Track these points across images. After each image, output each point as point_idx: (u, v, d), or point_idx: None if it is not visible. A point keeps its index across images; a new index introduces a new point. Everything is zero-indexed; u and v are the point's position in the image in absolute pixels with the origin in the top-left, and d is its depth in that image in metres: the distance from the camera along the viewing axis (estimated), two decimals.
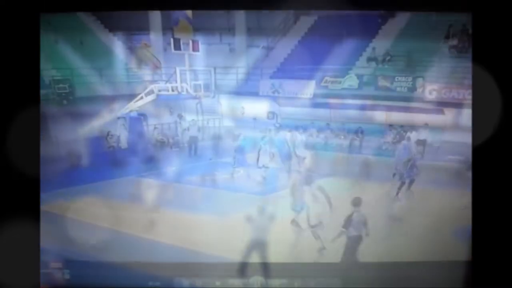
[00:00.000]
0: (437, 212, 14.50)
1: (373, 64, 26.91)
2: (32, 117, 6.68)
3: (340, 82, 26.03)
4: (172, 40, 22.42)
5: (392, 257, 10.60)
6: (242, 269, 10.29)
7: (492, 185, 6.55)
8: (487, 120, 6.59)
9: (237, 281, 8.94)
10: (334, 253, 10.59)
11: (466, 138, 19.21)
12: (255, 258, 10.47)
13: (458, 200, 14.99)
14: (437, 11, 20.88)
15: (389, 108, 23.71)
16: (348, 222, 10.26)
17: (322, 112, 25.60)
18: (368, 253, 11.15)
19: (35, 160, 6.71)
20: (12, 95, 6.50)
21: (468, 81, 22.47)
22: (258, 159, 18.25)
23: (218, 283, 8.94)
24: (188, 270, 9.31)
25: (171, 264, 9.86)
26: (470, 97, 21.99)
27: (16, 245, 6.45)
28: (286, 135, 21.18)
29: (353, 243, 10.30)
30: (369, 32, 28.25)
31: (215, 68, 25.27)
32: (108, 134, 21.93)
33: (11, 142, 6.49)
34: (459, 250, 10.26)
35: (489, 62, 6.61)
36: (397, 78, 24.80)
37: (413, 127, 22.61)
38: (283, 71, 28.30)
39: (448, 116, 21.70)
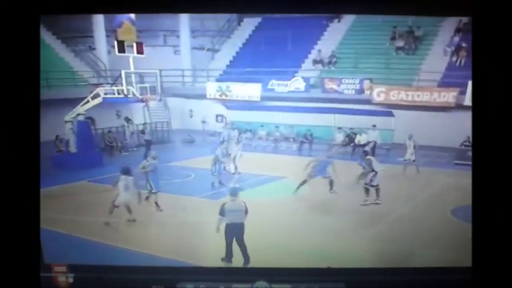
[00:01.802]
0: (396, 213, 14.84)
1: (319, 66, 27.16)
2: (32, 117, 6.50)
3: (286, 85, 26.14)
4: (115, 42, 21.94)
5: (396, 262, 10.77)
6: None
7: (493, 187, 6.64)
8: (487, 122, 6.69)
9: (241, 286, 8.87)
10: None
11: (417, 140, 19.88)
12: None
13: (411, 200, 15.55)
14: (437, 15, 21.20)
15: (337, 111, 23.71)
16: (222, 210, 10.78)
17: (270, 115, 25.50)
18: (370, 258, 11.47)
19: (34, 160, 6.52)
20: (11, 95, 6.30)
21: (416, 83, 23.19)
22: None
23: (222, 287, 8.86)
24: (192, 274, 9.20)
25: (175, 268, 9.79)
26: (419, 99, 22.91)
27: (15, 247, 6.25)
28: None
29: (233, 230, 10.76)
30: (314, 34, 28.64)
31: (160, 71, 24.91)
32: (57, 138, 21.40)
33: (10, 142, 6.29)
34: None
35: (488, 64, 6.73)
36: (344, 80, 25.10)
37: (362, 129, 22.88)
38: (229, 74, 28.27)
39: (397, 118, 22.02)
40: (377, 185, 15.31)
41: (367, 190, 15.42)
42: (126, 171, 13.74)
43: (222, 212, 10.74)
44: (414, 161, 19.66)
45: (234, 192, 11.06)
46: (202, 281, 8.90)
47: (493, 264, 6.46)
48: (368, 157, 15.76)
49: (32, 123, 6.53)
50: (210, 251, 11.61)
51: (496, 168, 6.58)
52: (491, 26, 6.74)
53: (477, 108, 6.79)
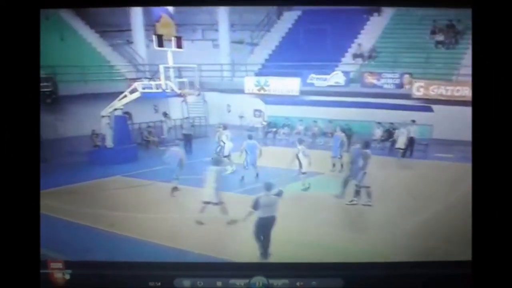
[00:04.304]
0: (429, 210, 14.42)
1: (359, 60, 26.79)
2: (32, 114, 6.41)
3: (326, 79, 25.79)
4: (154, 36, 21.88)
5: (395, 257, 10.76)
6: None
7: (493, 184, 6.41)
8: (487, 118, 6.47)
9: (238, 281, 8.80)
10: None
11: (455, 136, 19.39)
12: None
13: (446, 197, 15.05)
14: (437, 6, 20.81)
15: (377, 105, 23.50)
16: (256, 204, 10.74)
17: (309, 109, 25.19)
18: (369, 253, 11.27)
19: (34, 159, 6.44)
20: (11, 92, 6.22)
21: (456, 77, 22.59)
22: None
23: (219, 283, 8.79)
24: (189, 270, 9.15)
25: (172, 264, 9.75)
26: (458, 94, 22.32)
27: (15, 246, 6.18)
28: None
29: (265, 223, 10.77)
30: (354, 28, 28.27)
31: (199, 65, 24.82)
32: (93, 133, 21.59)
33: (10, 140, 6.21)
34: (459, 250, 10.29)
35: (489, 58, 6.50)
36: (384, 75, 24.72)
37: (401, 124, 22.31)
38: (268, 68, 28.00)
39: (436, 113, 21.49)
40: (368, 186, 14.79)
41: (357, 192, 14.91)
42: (218, 162, 13.92)
43: (255, 206, 10.74)
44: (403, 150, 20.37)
45: (269, 187, 10.95)
46: (199, 277, 8.82)
47: (493, 258, 6.26)
48: (367, 150, 15.05)
49: (32, 121, 6.43)
50: (241, 247, 11.54)
51: (496, 164, 6.43)
52: (493, 19, 6.46)
53: (477, 106, 6.55)
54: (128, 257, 10.72)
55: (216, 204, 13.21)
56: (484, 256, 6.29)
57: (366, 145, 15.27)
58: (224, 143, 18.87)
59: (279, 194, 10.97)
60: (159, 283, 8.86)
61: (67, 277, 9.11)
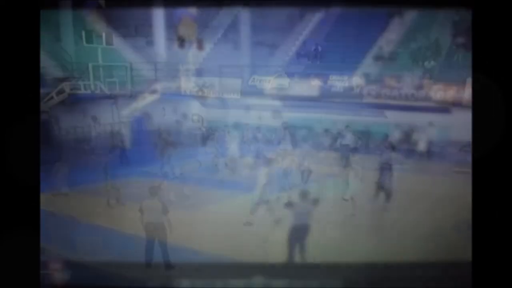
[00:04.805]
0: (438, 211, 14.41)
1: (380, 62, 26.62)
2: (32, 115, 6.50)
3: (346, 81, 25.67)
4: (176, 38, 22.00)
5: (395, 257, 10.68)
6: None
7: (493, 185, 6.45)
8: (487, 120, 6.47)
9: (238, 282, 8.84)
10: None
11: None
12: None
13: (461, 199, 14.94)
14: (438, 7, 20.73)
15: (396, 107, 23.34)
16: (287, 205, 10.80)
17: (327, 111, 25.04)
18: (370, 253, 11.27)
19: (35, 159, 6.53)
20: (11, 93, 6.32)
21: None
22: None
23: (218, 284, 8.83)
24: (188, 270, 9.23)
25: (172, 264, 9.81)
26: None
27: (16, 247, 6.28)
28: None
29: (298, 231, 10.57)
30: (376, 30, 28.13)
31: (220, 67, 24.88)
32: (111, 134, 21.69)
33: (11, 141, 6.30)
34: (460, 250, 10.23)
35: (489, 59, 6.50)
36: (403, 77, 24.45)
37: (419, 126, 22.33)
38: (289, 70, 27.77)
39: (455, 115, 21.35)
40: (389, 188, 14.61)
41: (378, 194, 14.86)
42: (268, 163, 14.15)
43: (286, 207, 10.82)
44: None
45: (304, 195, 10.87)
46: (198, 278, 8.87)
47: (493, 260, 6.36)
48: (394, 154, 15.03)
49: (32, 121, 6.51)
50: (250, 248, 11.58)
51: (496, 165, 6.53)
52: (493, 19, 6.46)
53: (477, 107, 6.56)
54: (129, 257, 10.79)
55: (257, 204, 13.28)
56: (484, 257, 6.28)
57: (393, 148, 15.14)
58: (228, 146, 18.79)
59: (314, 202, 10.89)
60: (159, 283, 8.93)
61: (67, 277, 9.20)
